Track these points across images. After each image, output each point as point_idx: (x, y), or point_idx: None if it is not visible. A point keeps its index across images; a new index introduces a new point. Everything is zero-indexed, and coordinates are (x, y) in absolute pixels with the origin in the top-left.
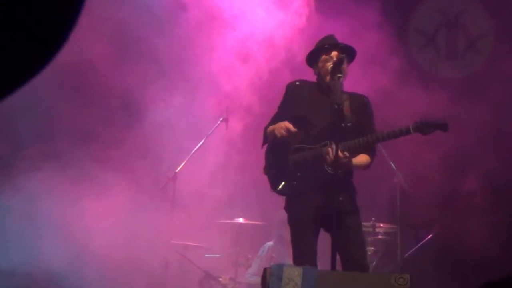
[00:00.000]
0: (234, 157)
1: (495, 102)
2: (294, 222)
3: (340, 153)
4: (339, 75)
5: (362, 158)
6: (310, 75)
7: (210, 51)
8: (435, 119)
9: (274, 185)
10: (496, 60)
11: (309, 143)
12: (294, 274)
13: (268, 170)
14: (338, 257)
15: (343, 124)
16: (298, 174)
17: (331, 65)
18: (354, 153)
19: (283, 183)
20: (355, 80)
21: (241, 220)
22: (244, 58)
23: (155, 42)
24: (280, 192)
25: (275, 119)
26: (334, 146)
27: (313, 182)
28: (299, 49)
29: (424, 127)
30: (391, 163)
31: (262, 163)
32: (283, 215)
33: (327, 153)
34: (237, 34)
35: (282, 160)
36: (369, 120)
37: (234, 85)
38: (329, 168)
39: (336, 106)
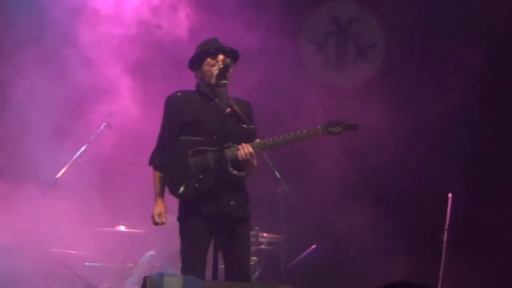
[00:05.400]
0: (117, 163)
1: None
2: (186, 233)
3: (251, 151)
4: (225, 81)
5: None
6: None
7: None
8: (344, 119)
9: (174, 188)
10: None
11: (206, 146)
12: (174, 283)
13: (167, 173)
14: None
15: (245, 126)
16: (200, 176)
17: (217, 71)
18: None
19: (184, 186)
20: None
21: (122, 228)
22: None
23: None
24: (181, 195)
25: (162, 138)
26: (246, 145)
27: (214, 184)
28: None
29: (333, 127)
30: (276, 172)
31: (147, 169)
32: (166, 223)
33: (239, 150)
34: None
35: (182, 163)
36: (254, 126)
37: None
38: (234, 170)
39: (226, 110)
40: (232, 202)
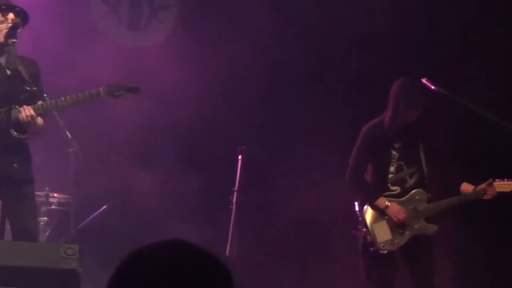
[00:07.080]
0: None
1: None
2: None
3: (32, 114)
4: (14, 40)
5: (40, 121)
6: None
7: None
8: (125, 83)
9: None
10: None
11: None
12: None
13: None
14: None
15: (27, 88)
16: None
17: (7, 29)
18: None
19: None
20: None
21: None
22: None
23: None
24: None
25: None
26: (27, 107)
27: None
28: None
29: (114, 90)
30: (67, 132)
31: None
32: None
33: (21, 112)
34: None
35: None
36: (40, 84)
37: None
38: (14, 132)
39: (10, 71)
40: (15, 165)
